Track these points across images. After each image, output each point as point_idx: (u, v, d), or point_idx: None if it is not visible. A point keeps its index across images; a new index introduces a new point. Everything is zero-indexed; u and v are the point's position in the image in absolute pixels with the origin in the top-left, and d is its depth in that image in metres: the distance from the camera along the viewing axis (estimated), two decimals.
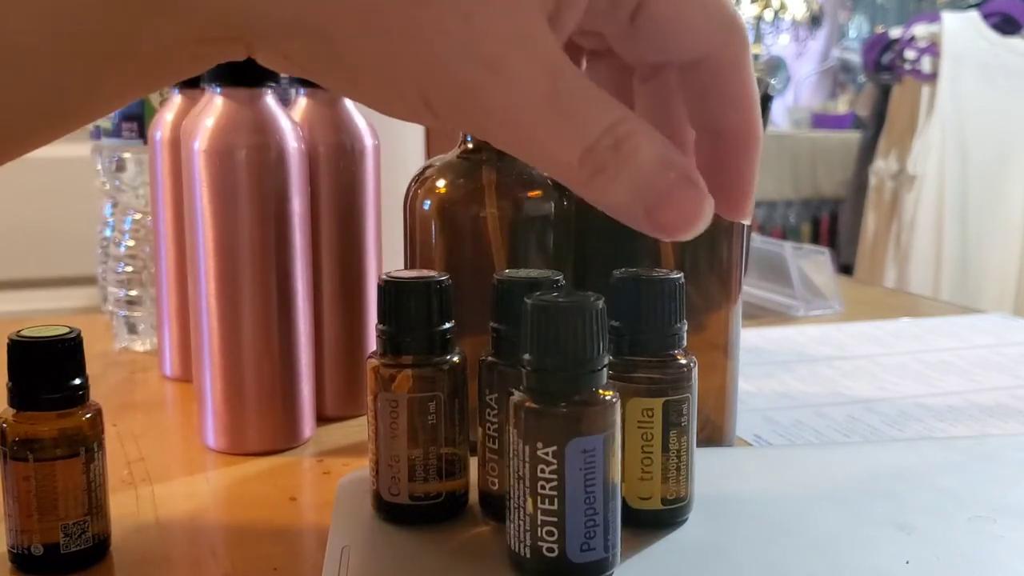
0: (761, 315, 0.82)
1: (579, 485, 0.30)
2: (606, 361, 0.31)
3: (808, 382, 0.60)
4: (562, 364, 0.30)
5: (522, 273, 0.37)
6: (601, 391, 0.31)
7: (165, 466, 0.46)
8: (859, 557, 0.34)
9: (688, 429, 0.35)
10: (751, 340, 0.68)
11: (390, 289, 0.36)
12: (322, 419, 0.51)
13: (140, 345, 0.68)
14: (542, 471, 0.30)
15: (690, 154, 0.31)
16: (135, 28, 0.24)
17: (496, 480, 0.36)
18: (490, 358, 0.36)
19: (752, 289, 0.86)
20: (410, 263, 0.44)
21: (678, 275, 0.35)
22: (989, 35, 2.25)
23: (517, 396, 0.31)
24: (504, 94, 0.24)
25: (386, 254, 0.53)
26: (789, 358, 0.66)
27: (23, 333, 0.35)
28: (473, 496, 0.38)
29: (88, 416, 0.35)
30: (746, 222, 0.30)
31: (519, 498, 0.31)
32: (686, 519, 0.36)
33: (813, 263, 0.87)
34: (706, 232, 0.42)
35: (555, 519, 0.31)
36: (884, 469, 0.42)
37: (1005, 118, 2.23)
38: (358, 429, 0.51)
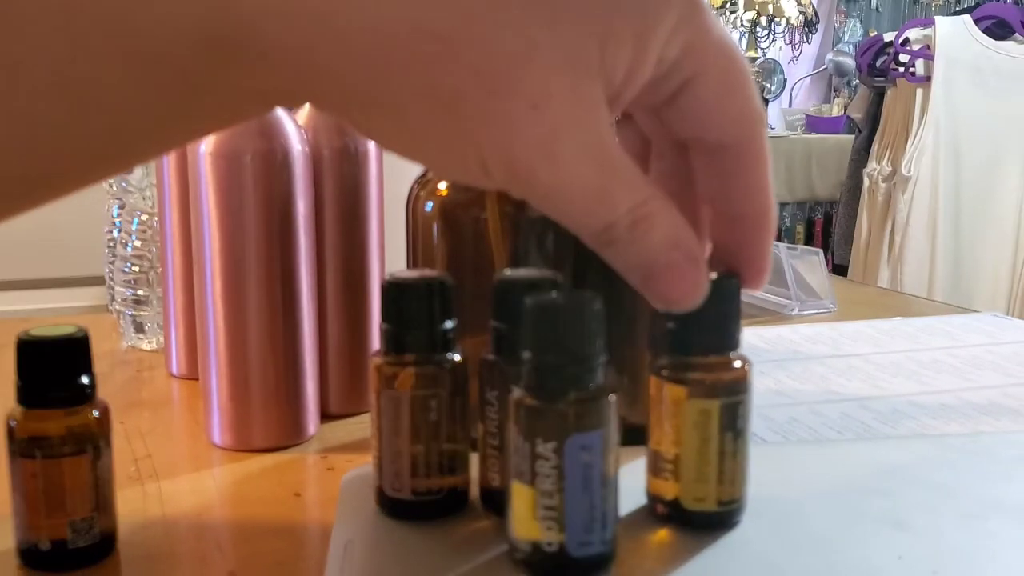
0: (756, 314, 0.82)
1: (578, 481, 0.31)
2: (604, 359, 0.31)
3: (802, 380, 0.61)
4: (561, 362, 0.31)
5: (522, 273, 0.37)
6: (600, 388, 0.31)
7: (171, 463, 0.47)
8: (853, 553, 0.34)
9: (744, 431, 0.35)
10: (746, 339, 0.68)
11: (393, 289, 0.37)
12: (326, 416, 0.51)
13: (147, 344, 0.68)
14: (541, 467, 0.31)
15: (702, 230, 0.33)
16: (212, 78, 0.24)
17: (497, 476, 0.37)
18: (491, 356, 0.37)
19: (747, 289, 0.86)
20: (412, 263, 0.45)
21: (735, 276, 0.35)
22: (982, 39, 2.26)
23: (516, 393, 0.31)
24: (555, 179, 0.26)
25: (389, 255, 0.53)
26: (784, 356, 0.67)
27: (32, 332, 0.35)
28: (474, 492, 0.39)
29: (96, 414, 0.36)
30: (759, 291, 0.33)
31: (519, 492, 0.32)
32: (740, 520, 0.36)
33: (807, 264, 0.87)
34: None
35: (554, 514, 0.31)
36: (878, 466, 0.43)
37: (997, 121, 2.24)
38: (361, 426, 0.51)
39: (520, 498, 0.32)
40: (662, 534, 0.35)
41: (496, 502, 0.37)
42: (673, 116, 0.30)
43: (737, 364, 0.35)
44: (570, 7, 0.25)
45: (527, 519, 0.31)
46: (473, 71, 0.24)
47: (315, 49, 0.23)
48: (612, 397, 0.31)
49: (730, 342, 0.35)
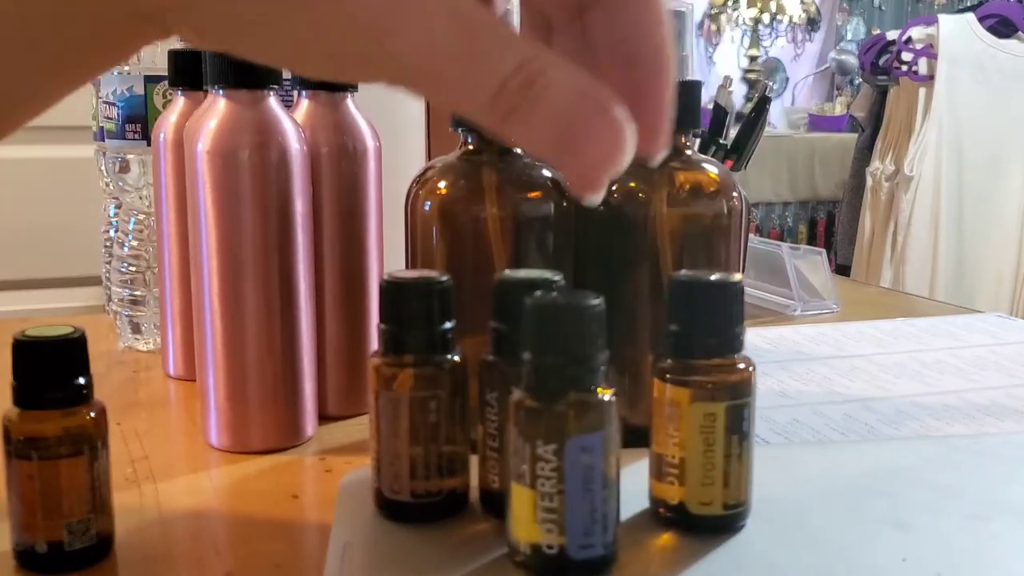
0: (758, 315, 0.82)
1: (578, 483, 0.31)
2: (604, 360, 0.31)
3: (805, 381, 0.61)
4: (561, 363, 0.30)
5: (522, 273, 0.37)
6: (600, 390, 0.31)
7: (168, 464, 0.46)
8: (856, 554, 0.34)
9: (749, 434, 0.35)
10: (748, 339, 0.68)
11: (391, 289, 0.37)
12: (324, 418, 0.51)
13: (144, 344, 0.68)
14: (541, 469, 0.31)
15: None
16: (69, 10, 0.24)
17: (496, 478, 0.37)
18: (490, 357, 0.37)
19: (749, 289, 0.86)
20: (411, 263, 0.45)
21: (738, 278, 0.35)
22: (985, 37, 2.25)
23: (517, 395, 0.31)
24: (408, 38, 0.23)
25: (387, 254, 0.53)
26: (786, 357, 0.67)
27: (28, 333, 0.35)
28: (474, 494, 0.38)
29: (92, 415, 0.36)
30: (659, 157, 0.29)
31: (519, 494, 0.31)
32: (745, 524, 0.36)
33: (810, 263, 0.87)
34: (703, 232, 0.43)
35: (554, 516, 0.31)
36: (881, 467, 0.42)
37: (1001, 119, 2.24)
38: (360, 427, 0.51)
39: (520, 500, 0.31)
40: (666, 538, 0.35)
41: (496, 504, 0.37)
42: None
43: (741, 366, 0.35)
44: None
45: (527, 521, 0.31)
46: None
47: None
48: (613, 398, 0.31)
49: (734, 344, 0.35)
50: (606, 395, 0.31)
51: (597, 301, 0.31)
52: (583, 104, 0.24)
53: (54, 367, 0.35)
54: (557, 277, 0.36)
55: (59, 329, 0.36)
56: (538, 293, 0.32)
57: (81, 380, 0.35)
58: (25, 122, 0.26)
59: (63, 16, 0.24)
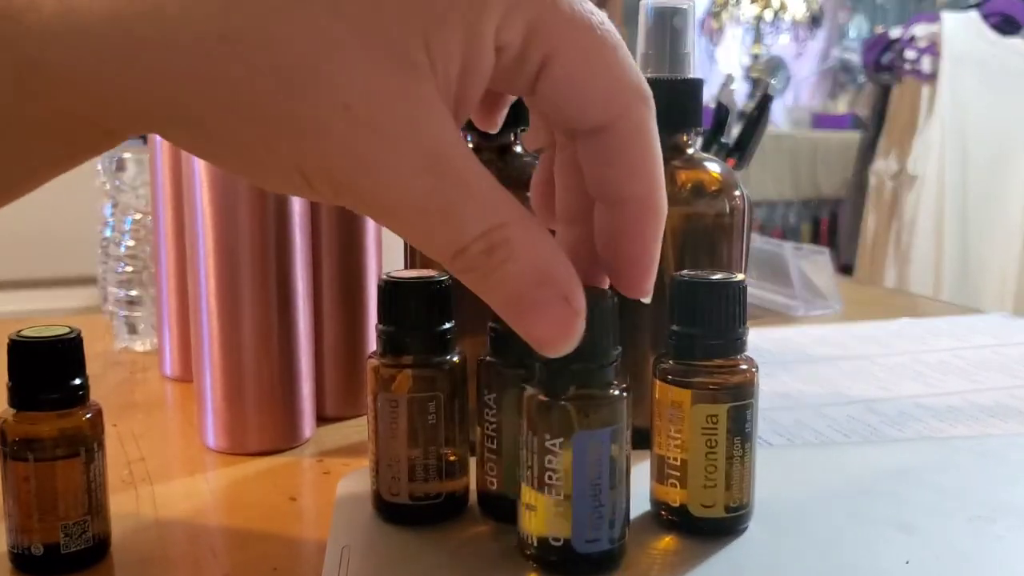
0: (761, 315, 0.82)
1: (586, 477, 0.31)
2: (615, 356, 0.31)
3: (808, 382, 0.60)
4: (571, 358, 0.30)
5: None
6: (610, 385, 0.31)
7: (165, 466, 0.46)
8: (859, 557, 0.34)
9: (751, 436, 0.35)
10: (751, 340, 0.68)
11: (390, 289, 0.36)
12: (322, 419, 0.51)
13: (140, 345, 0.68)
14: (549, 462, 0.31)
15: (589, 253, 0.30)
16: (17, 110, 0.23)
17: (495, 480, 0.36)
18: (489, 358, 0.36)
19: (752, 289, 0.86)
20: (410, 263, 0.44)
21: (741, 278, 0.35)
22: (989, 35, 2.25)
23: (529, 390, 0.32)
24: (381, 181, 0.23)
25: (386, 254, 0.53)
26: (789, 358, 0.66)
27: (23, 333, 0.35)
28: (472, 496, 0.38)
29: (88, 416, 0.35)
30: (645, 300, 0.29)
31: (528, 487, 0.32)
32: (747, 527, 0.36)
33: (813, 263, 0.87)
34: (706, 232, 0.43)
35: (561, 510, 0.31)
36: (884, 469, 0.42)
37: (1005, 118, 2.23)
38: (358, 429, 0.51)
39: (528, 494, 0.32)
40: (668, 541, 0.35)
41: (495, 507, 0.37)
42: (542, 105, 0.27)
43: (744, 367, 0.35)
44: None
45: (535, 515, 0.32)
46: (270, 72, 0.22)
47: (102, 68, 0.22)
48: (623, 395, 0.31)
49: (737, 345, 0.35)
50: (616, 391, 0.31)
51: (609, 297, 0.31)
52: (539, 287, 0.25)
53: (50, 368, 0.35)
54: None
55: (55, 329, 0.35)
56: None
57: (77, 381, 0.35)
58: (26, 193, 0.26)
59: (45, 132, 0.24)
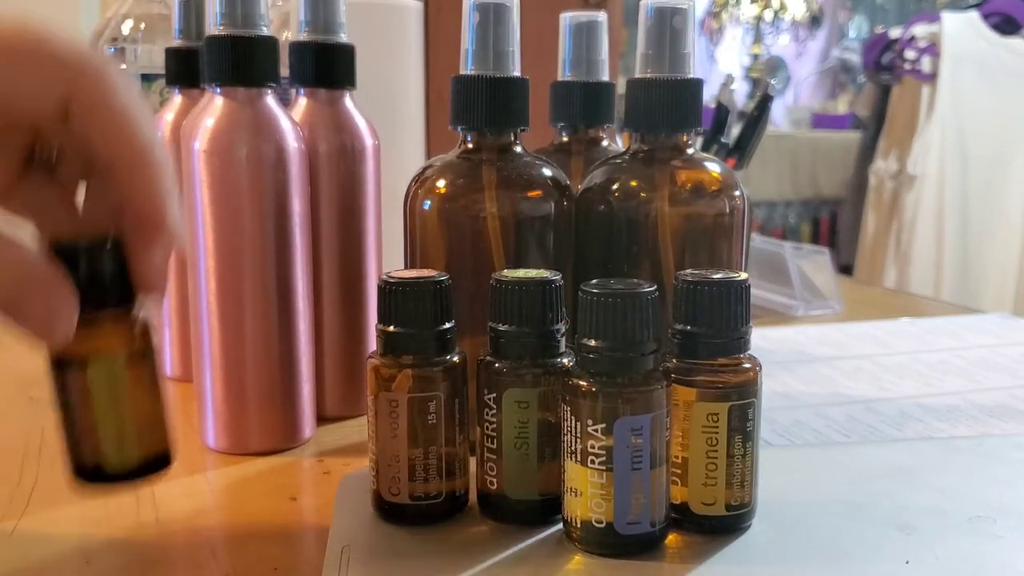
0: (761, 315, 0.82)
1: (626, 462, 0.32)
2: (655, 347, 0.33)
3: (808, 382, 0.60)
4: (613, 347, 0.32)
5: (521, 273, 0.37)
6: (650, 374, 0.33)
7: None
8: (859, 557, 0.34)
9: (753, 435, 0.35)
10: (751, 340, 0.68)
11: (390, 289, 0.36)
12: (322, 419, 0.51)
13: None
14: (592, 447, 0.32)
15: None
16: None
17: (495, 480, 0.37)
18: (489, 358, 0.36)
19: (752, 289, 0.86)
20: (410, 263, 0.44)
21: (744, 277, 0.35)
22: (989, 35, 2.25)
23: (572, 378, 0.33)
24: None
25: (386, 254, 0.53)
26: (789, 358, 0.66)
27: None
28: (473, 496, 0.38)
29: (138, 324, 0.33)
30: (180, 243, 0.31)
31: (572, 472, 0.33)
32: (750, 525, 0.36)
33: (813, 263, 0.87)
34: (706, 232, 0.43)
35: (603, 493, 0.32)
36: (884, 469, 0.42)
37: (1005, 118, 2.23)
38: (358, 429, 0.51)
39: (572, 477, 0.33)
40: (669, 538, 0.35)
41: (494, 507, 0.37)
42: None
43: (746, 366, 0.35)
44: None
45: (579, 499, 0.33)
46: None
47: None
48: (663, 382, 0.33)
49: (739, 344, 0.35)
50: (656, 379, 0.33)
51: (650, 289, 0.32)
52: (16, 290, 0.27)
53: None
54: (556, 277, 0.36)
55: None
56: (594, 281, 0.33)
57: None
58: None
59: None
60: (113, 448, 0.33)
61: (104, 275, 0.31)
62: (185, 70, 0.55)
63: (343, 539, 0.36)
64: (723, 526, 0.35)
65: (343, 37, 0.50)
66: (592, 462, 0.32)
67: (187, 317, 0.48)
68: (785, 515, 0.37)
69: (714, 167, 0.44)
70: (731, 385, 0.35)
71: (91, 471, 0.33)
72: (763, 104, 0.78)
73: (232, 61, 0.43)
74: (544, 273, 0.36)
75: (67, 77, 0.28)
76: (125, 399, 0.33)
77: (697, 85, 0.42)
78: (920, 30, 2.29)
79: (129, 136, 0.29)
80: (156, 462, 0.34)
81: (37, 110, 0.29)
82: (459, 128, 0.43)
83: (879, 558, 0.34)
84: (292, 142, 0.45)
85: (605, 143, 0.53)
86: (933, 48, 2.24)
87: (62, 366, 0.32)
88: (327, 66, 0.50)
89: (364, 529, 0.36)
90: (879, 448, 0.47)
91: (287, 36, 0.54)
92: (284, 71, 0.49)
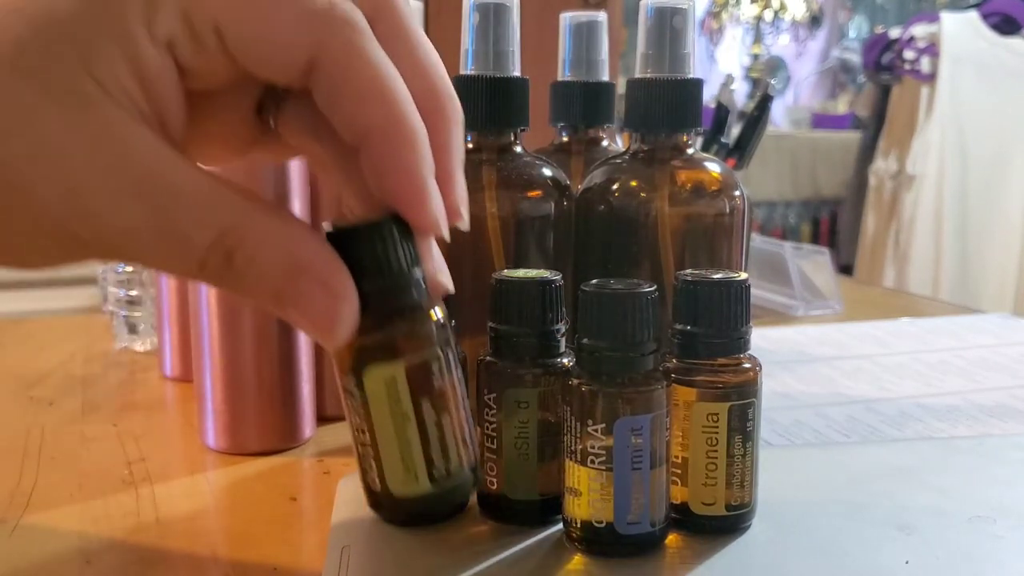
0: (761, 315, 0.82)
1: (626, 462, 0.32)
2: (655, 347, 0.33)
3: (808, 382, 0.60)
4: (613, 347, 0.32)
5: (521, 273, 0.37)
6: (650, 374, 0.33)
7: (165, 466, 0.46)
8: (859, 557, 0.34)
9: (753, 435, 0.35)
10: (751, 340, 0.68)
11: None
12: (322, 419, 0.51)
13: (140, 345, 0.68)
14: (592, 447, 0.32)
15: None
16: None
17: (495, 480, 0.36)
18: (489, 358, 0.36)
19: (752, 289, 0.86)
20: None
21: (744, 277, 0.35)
22: (988, 35, 2.25)
23: (571, 377, 0.33)
24: (101, 221, 0.23)
25: None
26: (789, 358, 0.66)
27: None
28: (473, 496, 0.38)
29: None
30: (439, 234, 0.27)
31: (572, 472, 0.33)
32: (750, 525, 0.36)
33: (813, 263, 0.87)
34: (706, 232, 0.43)
35: (603, 492, 0.32)
36: (884, 469, 0.42)
37: (1004, 118, 2.23)
38: None
39: (572, 477, 0.33)
40: (670, 539, 0.35)
41: (495, 507, 0.37)
42: (250, 70, 0.25)
43: (747, 366, 0.35)
44: (33, 39, 0.22)
45: (579, 499, 0.33)
46: None
47: None
48: (663, 382, 0.33)
49: (740, 344, 0.35)
50: (656, 379, 0.33)
51: (650, 289, 0.32)
52: (292, 280, 0.24)
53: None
54: (556, 277, 0.36)
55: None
56: (594, 281, 0.33)
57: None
58: None
59: None
60: (393, 473, 0.28)
61: (388, 263, 0.26)
62: None
63: (343, 539, 0.36)
64: (723, 526, 0.35)
65: None
66: (592, 462, 0.32)
67: (187, 317, 0.48)
68: (785, 515, 0.37)
69: (714, 167, 0.44)
70: (731, 385, 0.35)
71: (382, 498, 0.29)
72: (763, 104, 0.78)
73: None
74: (544, 273, 0.36)
75: (315, 27, 0.24)
76: (413, 415, 0.28)
77: (697, 85, 0.42)
78: (920, 30, 2.29)
79: (387, 103, 0.25)
80: (456, 489, 0.29)
81: (279, 65, 0.25)
82: None
83: (879, 558, 0.34)
84: None
85: (605, 143, 0.53)
86: (933, 48, 2.24)
87: (352, 371, 0.28)
88: None
89: (364, 529, 0.36)
90: (879, 448, 0.47)
91: None
92: None
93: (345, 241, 0.26)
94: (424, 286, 0.28)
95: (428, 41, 0.28)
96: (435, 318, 0.28)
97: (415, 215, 0.26)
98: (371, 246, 0.26)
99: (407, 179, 0.26)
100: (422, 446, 0.28)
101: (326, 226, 0.27)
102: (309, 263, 0.24)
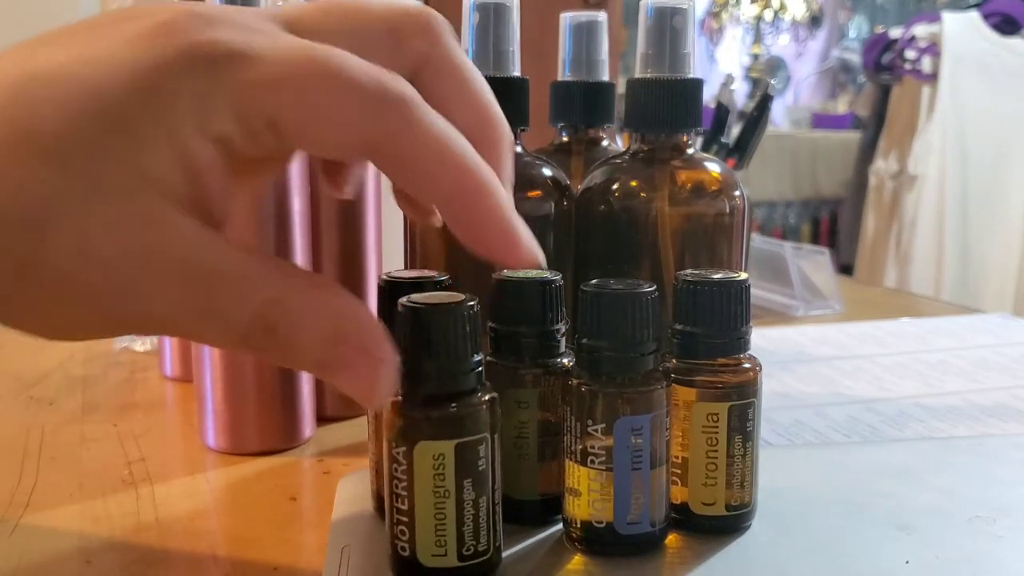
0: (761, 315, 0.82)
1: (626, 462, 0.32)
2: (655, 347, 0.33)
3: (808, 382, 0.60)
4: (613, 347, 0.32)
5: (521, 273, 0.37)
6: (650, 374, 0.32)
7: (165, 466, 0.46)
8: (859, 557, 0.34)
9: (753, 435, 0.35)
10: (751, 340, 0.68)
11: (390, 289, 0.36)
12: (322, 419, 0.51)
13: (140, 345, 0.68)
14: (592, 447, 0.32)
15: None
16: None
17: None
18: (489, 358, 0.36)
19: (752, 289, 0.86)
20: (410, 263, 0.44)
21: (744, 277, 0.35)
22: (989, 35, 2.25)
23: (571, 376, 0.33)
24: (145, 302, 0.23)
25: (386, 254, 0.53)
26: (789, 358, 0.66)
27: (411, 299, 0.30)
28: None
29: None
30: (540, 266, 0.28)
31: (572, 472, 0.33)
32: (750, 525, 0.36)
33: (813, 263, 0.87)
34: (706, 232, 0.43)
35: (603, 492, 0.32)
36: (884, 469, 0.42)
37: (1005, 118, 2.23)
38: (358, 429, 0.51)
39: (571, 477, 0.33)
40: (670, 539, 0.35)
41: None
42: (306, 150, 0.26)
43: (747, 366, 0.35)
44: (78, 133, 0.22)
45: (579, 500, 0.33)
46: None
47: None
48: (663, 382, 0.33)
49: (739, 344, 0.35)
50: (656, 379, 0.33)
51: (650, 289, 0.32)
52: (335, 347, 0.25)
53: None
54: (556, 277, 0.36)
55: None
56: (594, 281, 0.33)
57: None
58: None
59: None
60: (424, 544, 0.30)
61: (455, 347, 0.29)
62: None
63: (343, 539, 0.36)
64: (723, 526, 0.35)
65: None
66: (592, 462, 0.32)
67: None
68: (785, 515, 0.37)
69: (714, 167, 0.44)
70: (731, 385, 0.35)
71: (408, 564, 0.31)
72: (763, 104, 0.78)
73: None
74: (544, 273, 0.36)
75: (369, 113, 0.24)
76: (454, 493, 0.30)
77: (697, 85, 0.42)
78: (920, 30, 2.29)
79: (455, 170, 0.25)
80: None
81: (334, 150, 0.25)
82: None
83: (879, 558, 0.34)
84: None
85: (605, 143, 0.53)
86: (933, 48, 2.24)
87: (403, 441, 0.29)
88: None
89: (364, 529, 0.36)
90: (879, 448, 0.47)
91: None
92: None
93: (419, 316, 0.29)
94: (482, 371, 0.30)
95: (475, 68, 0.29)
96: (487, 403, 0.30)
97: (512, 260, 0.27)
98: (442, 328, 0.29)
99: (493, 230, 0.26)
100: (457, 523, 0.30)
101: (404, 300, 0.29)
102: (349, 331, 0.25)
